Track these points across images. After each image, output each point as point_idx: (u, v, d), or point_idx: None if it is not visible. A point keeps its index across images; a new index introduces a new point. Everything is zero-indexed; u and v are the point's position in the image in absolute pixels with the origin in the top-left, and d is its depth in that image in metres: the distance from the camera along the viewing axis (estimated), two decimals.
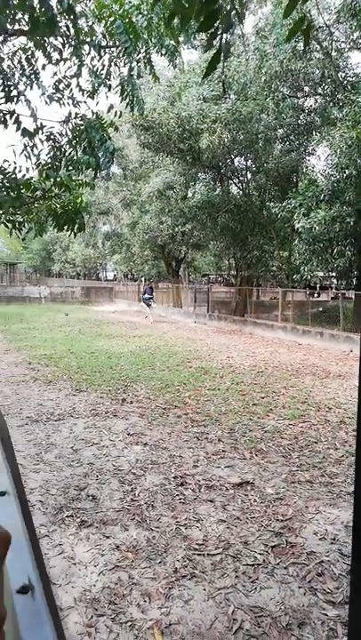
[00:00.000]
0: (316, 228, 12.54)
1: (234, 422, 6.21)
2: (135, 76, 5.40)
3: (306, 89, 16.06)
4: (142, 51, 5.27)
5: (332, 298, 26.04)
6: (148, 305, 20.70)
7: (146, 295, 21.10)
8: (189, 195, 21.44)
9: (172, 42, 5.22)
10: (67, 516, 3.76)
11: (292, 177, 18.19)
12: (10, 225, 4.34)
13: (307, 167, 18.27)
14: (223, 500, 4.09)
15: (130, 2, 4.69)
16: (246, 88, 15.25)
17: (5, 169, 4.12)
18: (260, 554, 3.29)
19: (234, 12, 1.37)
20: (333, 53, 14.40)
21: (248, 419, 6.38)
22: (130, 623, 2.61)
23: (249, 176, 19.45)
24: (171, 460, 4.93)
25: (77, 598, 2.81)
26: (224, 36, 1.61)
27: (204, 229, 19.56)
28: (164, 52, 5.33)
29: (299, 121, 16.81)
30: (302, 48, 13.28)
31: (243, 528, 3.63)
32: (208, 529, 3.61)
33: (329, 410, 6.84)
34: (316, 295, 26.69)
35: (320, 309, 20.93)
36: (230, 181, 20.32)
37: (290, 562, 3.21)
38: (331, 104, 15.28)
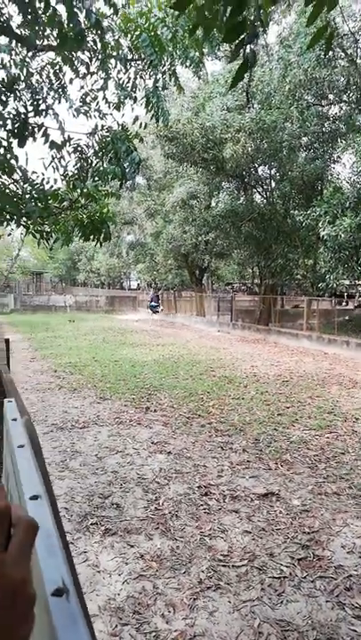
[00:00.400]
0: (342, 235, 12.39)
1: (259, 432, 6.15)
2: (160, 88, 5.47)
3: (330, 97, 15.96)
4: (167, 63, 5.34)
5: (356, 306, 25.61)
6: (155, 312, 21.16)
7: (153, 303, 21.60)
8: (213, 204, 21.50)
9: (197, 53, 5.28)
10: (91, 524, 3.77)
11: (317, 185, 18.04)
12: (38, 235, 4.44)
13: (332, 175, 18.09)
14: (248, 510, 4.04)
15: (155, 15, 4.77)
16: (270, 97, 15.27)
17: (34, 180, 4.21)
18: (286, 566, 3.23)
19: (258, 22, 1.38)
20: (359, 61, 14.29)
21: (273, 429, 6.30)
22: (154, 633, 2.59)
23: (273, 184, 19.39)
24: (195, 470, 4.90)
25: (102, 607, 2.81)
26: (249, 46, 1.63)
27: (228, 238, 19.56)
28: (188, 64, 5.38)
29: (323, 129, 16.70)
30: (327, 56, 13.23)
31: (268, 540, 3.58)
32: (233, 540, 3.57)
33: (356, 420, 6.70)
34: (343, 304, 26.28)
35: (346, 318, 20.58)
36: (254, 190, 20.30)
37: (317, 575, 3.14)
38: (356, 111, 15.13)
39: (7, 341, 3.17)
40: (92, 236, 4.67)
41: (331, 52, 13.19)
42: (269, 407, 7.40)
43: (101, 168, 4.54)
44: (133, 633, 2.60)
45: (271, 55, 15.97)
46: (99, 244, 4.85)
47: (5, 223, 4.17)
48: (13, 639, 0.39)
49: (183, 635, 2.58)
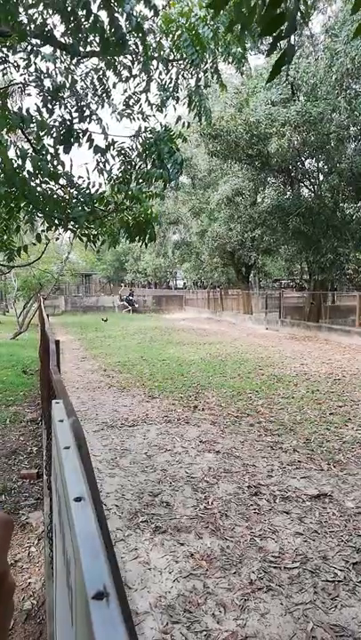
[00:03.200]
0: None
1: (310, 432, 6.01)
2: (202, 87, 5.45)
3: None
4: (209, 61, 5.32)
5: None
6: (131, 305, 26.39)
7: (130, 297, 27.12)
8: (259, 200, 21.20)
9: (239, 49, 5.22)
10: (141, 521, 3.82)
11: None
12: (85, 238, 4.54)
13: None
14: (300, 512, 3.96)
15: (196, 14, 4.76)
16: (316, 88, 14.86)
17: (80, 185, 4.32)
18: (340, 570, 3.14)
19: (299, 14, 1.34)
20: None
21: (325, 428, 6.14)
22: (205, 633, 2.59)
23: (321, 178, 18.87)
24: (244, 469, 4.86)
25: (153, 604, 2.84)
26: (289, 38, 1.58)
27: (275, 234, 19.22)
28: (231, 60, 5.34)
29: None
30: None
31: (321, 542, 3.49)
32: (284, 541, 3.51)
33: None
34: None
35: None
36: (301, 184, 19.84)
37: None
38: None
39: (57, 343, 3.26)
40: (137, 238, 4.73)
41: None
42: (321, 406, 7.22)
43: (145, 170, 4.58)
44: (184, 631, 2.61)
45: (316, 45, 15.55)
46: (144, 244, 4.91)
47: (54, 228, 4.30)
48: (3, 617, 0.44)
49: (234, 635, 2.57)
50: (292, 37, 1.67)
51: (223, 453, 5.32)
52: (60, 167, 4.11)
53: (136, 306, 29.64)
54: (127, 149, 4.81)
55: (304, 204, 17.76)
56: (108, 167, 4.71)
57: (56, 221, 4.15)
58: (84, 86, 5.23)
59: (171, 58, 5.30)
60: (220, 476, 4.69)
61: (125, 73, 5.18)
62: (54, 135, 4.57)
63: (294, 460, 5.10)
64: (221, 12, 4.40)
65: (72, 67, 5.18)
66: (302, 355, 12.54)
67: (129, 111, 5.26)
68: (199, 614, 2.74)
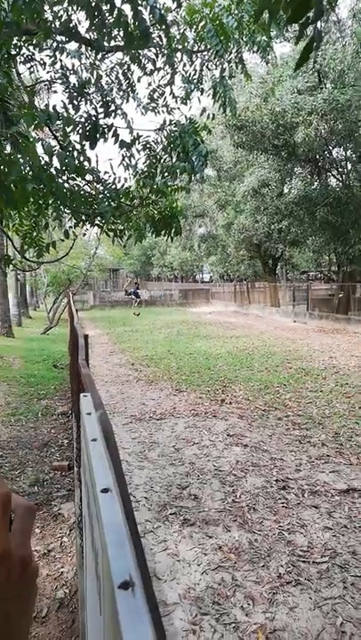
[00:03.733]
0: None
1: (339, 426, 5.93)
2: (227, 77, 5.39)
3: None
4: (234, 51, 5.25)
5: None
6: (137, 297, 26.07)
7: (136, 291, 26.90)
8: (285, 191, 20.90)
9: (264, 37, 5.13)
10: (170, 514, 3.86)
11: None
12: (112, 233, 4.57)
13: None
14: (328, 506, 3.92)
15: (219, 4, 4.70)
16: (344, 75, 14.49)
17: (106, 180, 4.35)
18: None
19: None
20: None
21: (354, 422, 6.05)
22: (234, 625, 2.60)
23: (349, 166, 18.45)
24: (272, 463, 4.84)
25: (182, 595, 2.87)
26: (316, 24, 1.55)
27: (302, 225, 18.91)
28: (256, 49, 5.25)
29: None
30: None
31: (351, 537, 3.45)
32: (313, 536, 3.49)
33: None
34: None
35: None
36: (328, 174, 19.44)
37: None
38: None
39: (86, 337, 3.30)
40: (163, 232, 4.73)
41: None
42: (350, 400, 7.10)
43: (170, 163, 4.57)
44: (213, 623, 2.63)
45: (343, 31, 15.14)
46: (170, 238, 4.91)
47: (81, 224, 4.35)
48: (24, 603, 0.47)
49: (263, 628, 2.57)
50: (319, 23, 1.63)
51: (251, 447, 5.30)
52: (86, 163, 4.15)
53: (140, 298, 30.08)
54: (152, 143, 4.81)
55: (332, 193, 17.40)
56: (133, 162, 4.72)
57: (83, 217, 4.19)
58: (109, 81, 5.24)
59: (195, 49, 5.26)
60: (248, 470, 4.68)
61: (150, 66, 5.17)
62: (80, 131, 4.61)
63: (323, 454, 5.04)
64: (245, 0, 4.34)
65: (97, 62, 5.20)
66: (331, 348, 12.34)
67: (153, 104, 5.25)
68: (228, 606, 2.76)
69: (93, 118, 4.66)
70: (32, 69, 5.36)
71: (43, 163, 3.58)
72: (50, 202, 4.02)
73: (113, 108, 4.85)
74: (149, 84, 5.30)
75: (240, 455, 5.08)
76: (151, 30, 4.25)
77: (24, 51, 5.17)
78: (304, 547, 3.35)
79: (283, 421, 6.20)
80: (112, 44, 4.90)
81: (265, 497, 4.11)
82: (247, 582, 2.97)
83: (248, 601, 2.80)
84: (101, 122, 4.64)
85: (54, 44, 4.89)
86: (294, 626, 2.59)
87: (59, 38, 4.83)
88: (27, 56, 5.19)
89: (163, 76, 5.23)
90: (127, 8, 3.78)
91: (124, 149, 4.64)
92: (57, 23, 4.43)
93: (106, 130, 4.58)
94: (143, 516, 3.81)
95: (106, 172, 4.34)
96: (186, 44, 5.09)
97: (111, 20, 4.02)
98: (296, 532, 3.55)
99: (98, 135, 4.51)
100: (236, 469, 4.71)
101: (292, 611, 2.71)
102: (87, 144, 4.49)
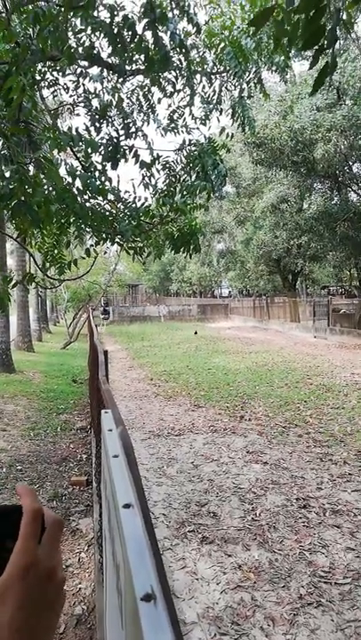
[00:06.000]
0: None
1: None
2: (245, 97, 5.48)
3: None
4: (252, 71, 5.35)
5: None
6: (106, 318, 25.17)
7: (106, 308, 26.10)
8: (305, 206, 20.89)
9: (283, 58, 5.21)
10: (188, 531, 3.83)
11: None
12: (132, 251, 4.65)
13: None
14: (351, 526, 3.85)
15: (238, 27, 4.81)
16: None
17: (126, 199, 4.44)
18: None
19: (339, 25, 1.35)
20: None
21: None
22: None
23: None
24: (292, 481, 4.77)
25: (200, 614, 2.84)
26: (330, 50, 1.59)
27: (322, 240, 18.84)
28: (274, 69, 5.34)
29: None
30: None
31: None
32: (335, 556, 3.42)
33: None
34: None
35: None
36: (349, 189, 19.39)
37: None
38: None
39: (106, 353, 3.36)
40: (182, 249, 4.79)
41: None
42: None
43: (189, 182, 4.65)
44: None
45: None
46: (189, 255, 4.96)
47: (102, 242, 4.44)
48: (51, 612, 0.49)
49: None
50: (337, 43, 1.67)
51: (271, 464, 5.25)
52: (107, 183, 4.25)
53: (110, 316, 29.82)
54: (172, 163, 4.90)
55: (352, 208, 17.33)
56: (153, 181, 4.82)
57: (104, 235, 4.28)
58: (130, 103, 5.38)
59: (214, 71, 5.37)
60: (268, 488, 4.63)
61: (170, 88, 5.29)
62: (102, 152, 4.73)
63: (345, 473, 4.96)
64: (261, 29, 4.42)
65: (118, 85, 5.35)
66: (353, 364, 12.17)
67: (173, 125, 5.36)
68: (247, 627, 2.72)
69: (115, 140, 4.78)
70: (55, 93, 5.55)
71: (65, 183, 3.69)
72: (72, 221, 4.12)
73: (134, 129, 4.97)
74: (169, 106, 5.42)
75: (260, 473, 5.03)
76: (171, 54, 4.37)
77: (48, 76, 5.36)
78: (326, 567, 3.28)
79: (303, 438, 6.12)
80: (133, 67, 5.04)
81: (285, 515, 4.05)
82: (267, 602, 2.93)
83: (268, 622, 2.76)
84: (122, 143, 4.76)
85: (77, 69, 5.06)
86: None
87: (82, 63, 4.99)
88: (51, 81, 5.37)
89: (182, 98, 5.35)
90: (148, 34, 3.89)
91: (145, 169, 4.74)
92: (80, 49, 4.59)
93: (127, 151, 4.69)
94: (162, 533, 3.79)
95: (127, 192, 4.44)
96: (205, 66, 5.20)
97: (132, 46, 4.14)
98: (317, 552, 3.49)
99: (119, 156, 4.62)
100: (255, 487, 4.66)
101: (314, 633, 2.65)
102: (108, 165, 4.61)
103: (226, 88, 5.57)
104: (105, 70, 5.24)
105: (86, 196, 3.94)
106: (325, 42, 1.41)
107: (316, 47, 1.55)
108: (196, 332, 22.38)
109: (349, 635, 2.63)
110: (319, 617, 2.79)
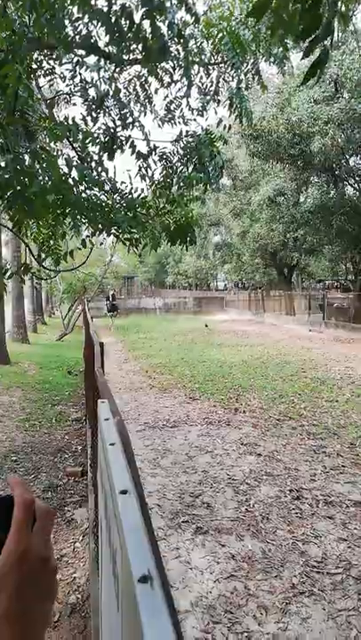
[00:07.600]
0: None
1: (355, 436, 5.88)
2: (243, 89, 5.45)
3: None
4: (250, 62, 5.32)
5: None
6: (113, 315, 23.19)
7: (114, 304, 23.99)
8: (301, 200, 20.89)
9: (281, 49, 5.18)
10: (183, 522, 3.86)
11: None
12: (127, 242, 4.64)
13: None
14: (344, 517, 3.89)
15: (236, 17, 4.77)
16: None
17: (123, 190, 4.43)
18: None
19: (334, 17, 1.34)
20: None
21: None
22: (246, 634, 2.60)
23: None
24: (286, 473, 4.82)
25: (194, 603, 2.87)
26: (330, 42, 1.59)
27: (318, 234, 18.88)
28: (272, 61, 5.32)
29: None
30: None
31: None
32: (327, 546, 3.46)
33: None
34: None
35: None
36: (345, 182, 19.39)
37: None
38: None
39: (102, 345, 3.36)
40: (178, 241, 4.79)
41: None
42: None
43: (186, 174, 4.64)
44: (225, 631, 2.63)
45: (360, 41, 15.13)
46: (185, 247, 4.96)
47: (97, 233, 4.42)
48: (44, 599, 0.50)
49: (276, 638, 2.56)
50: (335, 34, 1.67)
51: (265, 456, 5.29)
52: (103, 174, 4.23)
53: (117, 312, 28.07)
54: (168, 154, 4.89)
55: (349, 202, 17.37)
56: (149, 172, 4.80)
57: (100, 226, 4.27)
58: (127, 93, 5.35)
59: (211, 61, 5.34)
60: (262, 479, 4.67)
61: (167, 78, 5.26)
62: (99, 143, 4.70)
63: (338, 465, 5.01)
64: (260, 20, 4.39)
65: (115, 75, 5.31)
66: (347, 357, 12.24)
67: (170, 116, 5.33)
68: (240, 615, 2.76)
69: (111, 130, 4.75)
70: (52, 82, 5.50)
71: (62, 173, 3.67)
72: (67, 211, 4.10)
73: (131, 120, 4.95)
74: (166, 96, 5.39)
75: (254, 464, 5.07)
76: (169, 44, 4.34)
77: (44, 64, 5.31)
78: (318, 557, 3.33)
79: (297, 431, 6.17)
80: (130, 56, 5.00)
81: (279, 507, 4.09)
82: (260, 592, 2.96)
83: (261, 610, 2.79)
84: (119, 133, 4.73)
85: (74, 58, 5.01)
86: (307, 637, 2.58)
87: (79, 52, 4.95)
88: (47, 69, 5.32)
89: (180, 88, 5.32)
90: (146, 23, 3.86)
91: (141, 160, 4.72)
92: (77, 38, 4.55)
93: (124, 141, 4.67)
94: (156, 523, 3.82)
95: (123, 183, 4.42)
96: (203, 56, 5.17)
97: (130, 35, 4.11)
98: (310, 542, 3.53)
99: (116, 147, 4.60)
100: (249, 478, 4.70)
101: (306, 621, 2.69)
102: (105, 155, 4.58)
103: (223, 79, 5.54)
104: (102, 59, 5.19)
105: (82, 187, 3.93)
106: (320, 32, 1.40)
107: (311, 38, 1.55)
108: (206, 325, 21.51)
109: (340, 623, 2.67)
110: (311, 606, 2.83)
